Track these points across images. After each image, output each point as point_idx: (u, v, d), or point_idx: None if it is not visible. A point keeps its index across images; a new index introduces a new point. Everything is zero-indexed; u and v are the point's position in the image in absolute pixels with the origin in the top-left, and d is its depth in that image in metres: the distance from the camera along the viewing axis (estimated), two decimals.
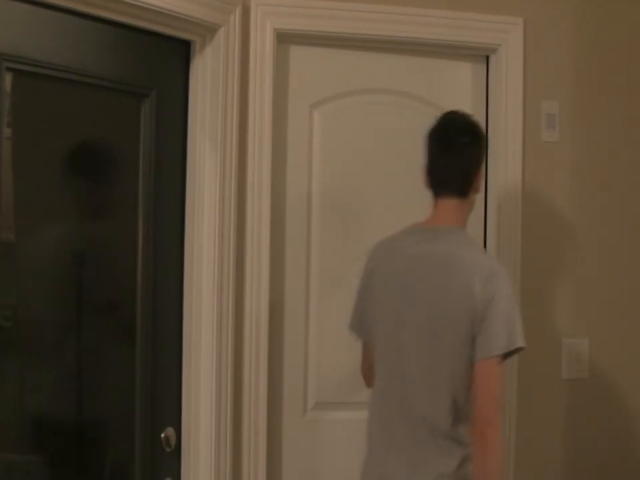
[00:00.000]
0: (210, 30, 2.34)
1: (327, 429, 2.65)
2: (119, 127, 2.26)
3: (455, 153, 2.19)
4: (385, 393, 2.19)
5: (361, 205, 2.68)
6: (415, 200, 2.66)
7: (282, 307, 2.59)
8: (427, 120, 2.60)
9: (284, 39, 2.53)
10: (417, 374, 2.12)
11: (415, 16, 2.57)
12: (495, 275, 2.08)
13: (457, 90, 2.73)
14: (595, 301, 2.75)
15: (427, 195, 2.37)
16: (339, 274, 2.65)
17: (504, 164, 2.65)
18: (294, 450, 2.61)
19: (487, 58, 2.70)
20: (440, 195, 2.20)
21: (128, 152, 2.27)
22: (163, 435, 2.31)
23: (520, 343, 2.06)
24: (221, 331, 2.37)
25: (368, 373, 2.33)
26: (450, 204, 2.18)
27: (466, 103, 2.71)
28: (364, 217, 2.68)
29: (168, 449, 2.32)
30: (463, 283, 2.07)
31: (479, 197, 2.61)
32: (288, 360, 2.60)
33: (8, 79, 1.92)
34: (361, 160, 2.67)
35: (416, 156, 2.52)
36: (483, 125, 2.45)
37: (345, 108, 2.66)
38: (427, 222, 2.22)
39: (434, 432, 2.09)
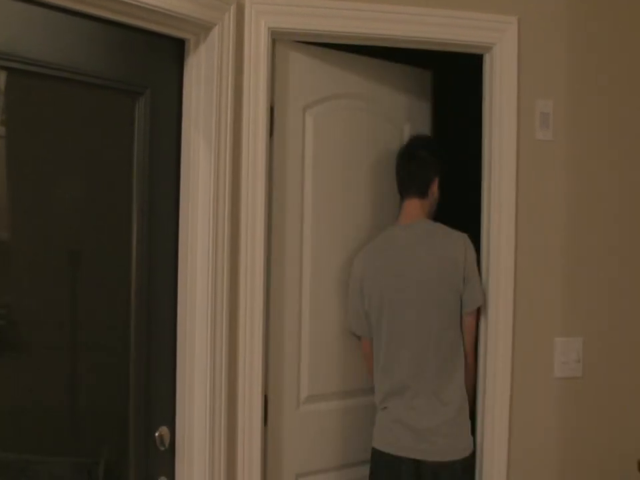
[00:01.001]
0: (204, 28, 2.34)
1: (320, 420, 2.67)
2: (113, 125, 2.26)
3: (415, 163, 2.76)
4: (395, 364, 2.64)
5: (355, 204, 2.70)
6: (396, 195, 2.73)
7: (276, 304, 2.59)
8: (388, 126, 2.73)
9: (278, 37, 2.53)
10: (420, 336, 2.62)
11: (410, 15, 2.57)
12: (468, 245, 2.67)
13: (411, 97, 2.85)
14: (589, 299, 2.76)
15: None
16: (331, 270, 2.67)
17: (498, 162, 2.66)
18: (289, 445, 2.62)
19: (482, 57, 2.71)
20: (405, 197, 2.76)
21: (122, 150, 2.27)
22: (157, 434, 2.31)
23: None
24: (215, 329, 2.37)
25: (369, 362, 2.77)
26: (412, 203, 2.74)
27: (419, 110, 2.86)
28: (358, 215, 2.70)
29: (162, 448, 2.32)
30: (450, 254, 2.63)
31: (476, 194, 2.67)
32: (282, 356, 2.61)
33: (2, 77, 1.91)
34: (354, 161, 2.68)
35: (383, 157, 2.67)
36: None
37: (339, 109, 2.68)
38: (399, 220, 2.76)
39: (440, 385, 2.61)
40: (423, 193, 2.74)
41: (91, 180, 2.21)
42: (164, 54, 2.34)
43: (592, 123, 2.75)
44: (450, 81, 3.30)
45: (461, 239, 2.66)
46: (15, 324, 2.03)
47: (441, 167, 2.81)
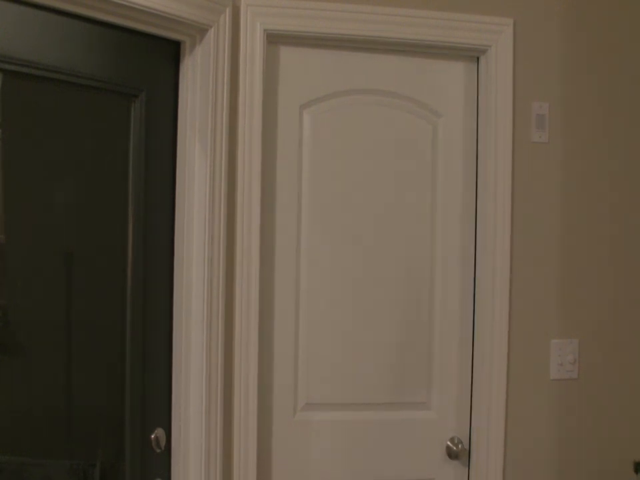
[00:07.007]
0: (200, 30, 2.34)
1: (317, 429, 2.65)
2: (109, 127, 2.26)
3: None
4: None
5: (352, 206, 2.69)
6: (404, 198, 2.70)
7: (272, 307, 2.59)
8: (417, 121, 2.68)
9: (274, 39, 2.53)
10: None
11: (404, 17, 2.58)
12: None
13: (447, 90, 2.74)
14: (585, 300, 2.76)
15: (414, 192, 2.44)
16: (329, 274, 2.66)
17: (494, 165, 2.66)
18: (284, 451, 2.61)
19: (477, 59, 2.71)
20: None
21: (117, 152, 2.27)
22: (152, 436, 2.31)
23: None
24: (211, 331, 2.37)
25: None
26: None
27: (457, 104, 2.74)
28: (355, 217, 2.69)
29: (158, 450, 2.32)
30: None
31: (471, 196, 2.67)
32: (278, 361, 2.60)
33: None
34: (351, 161, 2.67)
35: (405, 156, 2.58)
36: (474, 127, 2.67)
37: (335, 108, 2.67)
38: None
39: None
40: None
41: (86, 182, 2.21)
42: (159, 56, 2.34)
43: (588, 125, 2.76)
44: None
45: None
46: (9, 325, 2.03)
47: None
